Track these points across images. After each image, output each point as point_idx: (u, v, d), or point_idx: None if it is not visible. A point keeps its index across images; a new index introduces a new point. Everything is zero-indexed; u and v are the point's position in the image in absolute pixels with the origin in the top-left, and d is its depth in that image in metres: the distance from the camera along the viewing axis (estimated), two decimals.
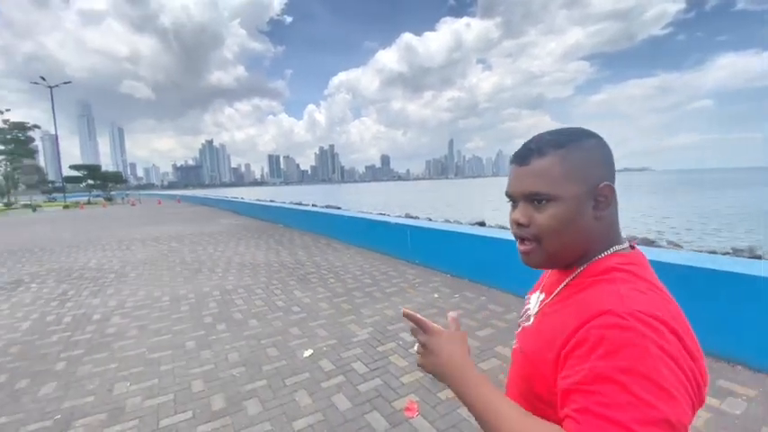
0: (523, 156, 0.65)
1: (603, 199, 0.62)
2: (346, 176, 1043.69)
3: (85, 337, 4.01)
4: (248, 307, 4.74)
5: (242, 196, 32.94)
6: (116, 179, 58.81)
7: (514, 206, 0.67)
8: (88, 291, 5.78)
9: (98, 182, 52.00)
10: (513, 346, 0.76)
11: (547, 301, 0.70)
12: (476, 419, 0.58)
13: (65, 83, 37.49)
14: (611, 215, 0.64)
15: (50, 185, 59.83)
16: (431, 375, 0.69)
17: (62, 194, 47.23)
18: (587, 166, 0.62)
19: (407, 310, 0.69)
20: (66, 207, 33.11)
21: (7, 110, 39.51)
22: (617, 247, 0.64)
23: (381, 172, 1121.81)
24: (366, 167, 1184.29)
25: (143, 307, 4.93)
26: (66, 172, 52.04)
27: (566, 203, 0.61)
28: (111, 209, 30.15)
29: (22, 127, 41.06)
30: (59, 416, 2.60)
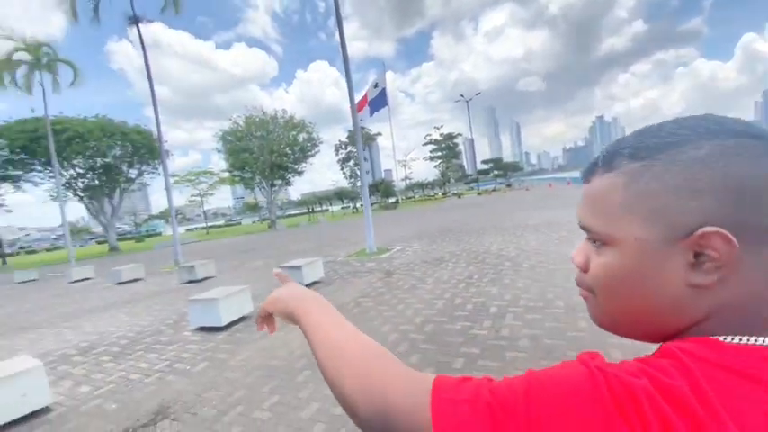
0: (588, 168, 0.44)
1: (711, 255, 0.33)
2: None
3: (482, 333, 3.84)
4: None
5: None
6: (514, 168, 68.29)
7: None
8: (488, 278, 6.01)
9: (501, 172, 62.55)
10: None
11: None
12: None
13: (476, 95, 47.36)
14: (736, 285, 0.34)
15: (469, 177, 78.46)
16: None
17: (476, 184, 60.51)
18: (673, 193, 0.35)
19: (277, 270, 0.70)
20: (479, 194, 41.89)
21: (441, 126, 55.48)
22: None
23: None
24: None
25: (535, 309, 4.30)
26: (479, 166, 66.32)
27: (627, 252, 0.38)
28: (510, 194, 34.76)
29: (450, 137, 56.39)
30: None
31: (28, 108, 21.23)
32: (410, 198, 59.61)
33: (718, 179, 0.33)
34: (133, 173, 26.99)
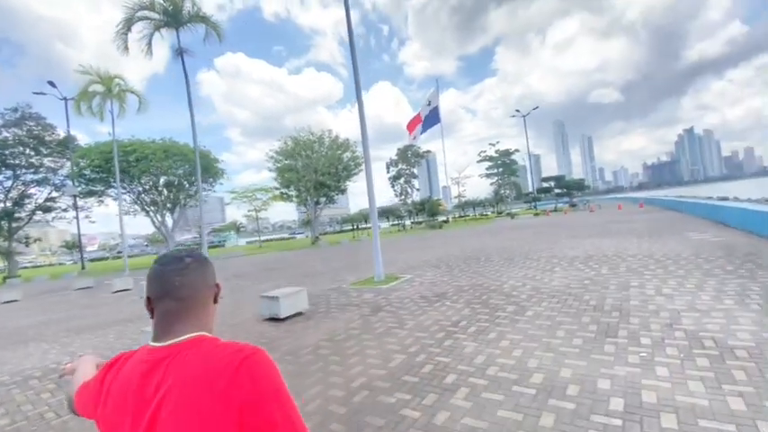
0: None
1: None
2: None
3: (413, 415, 2.94)
4: None
5: (734, 195, 23.26)
6: (578, 187, 62.68)
7: None
8: (476, 327, 4.97)
9: (563, 190, 57.74)
10: None
11: None
12: None
13: (534, 109, 44.58)
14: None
15: (529, 195, 73.77)
16: None
17: (536, 203, 56.51)
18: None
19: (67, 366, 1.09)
20: (535, 215, 38.79)
21: (497, 142, 52.79)
22: None
23: None
24: None
25: (500, 385, 3.26)
26: (539, 184, 61.99)
27: None
28: (570, 215, 31.62)
29: (507, 153, 53.41)
30: None
31: (107, 133, 23.89)
32: (462, 217, 57.37)
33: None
34: (193, 190, 29.35)
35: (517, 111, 45.08)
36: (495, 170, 55.49)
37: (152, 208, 28.01)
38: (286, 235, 68.07)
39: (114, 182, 26.51)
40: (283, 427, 0.67)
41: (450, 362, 3.91)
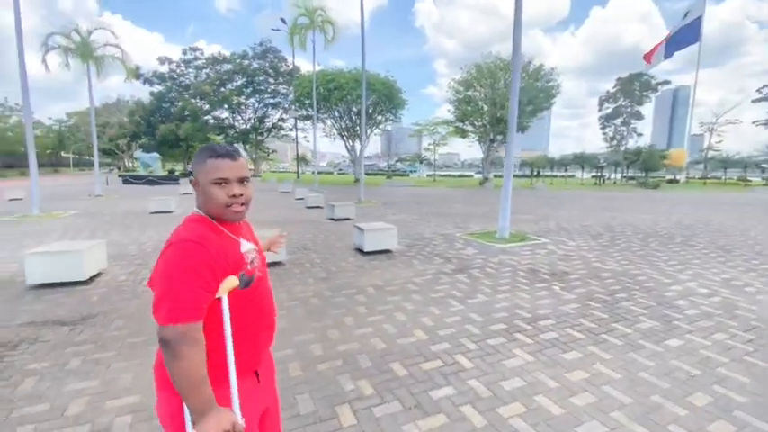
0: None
1: None
2: None
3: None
4: None
5: None
6: None
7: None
8: (561, 336, 3.32)
9: None
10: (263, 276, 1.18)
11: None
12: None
13: None
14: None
15: None
16: None
17: None
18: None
19: None
20: None
21: None
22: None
23: None
24: None
25: None
26: None
27: None
28: None
29: None
30: None
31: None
32: (702, 179, 41.92)
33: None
34: (379, 118, 31.66)
35: None
36: None
37: (345, 133, 32.08)
38: (473, 173, 66.98)
39: (321, 108, 31.30)
40: (156, 294, 0.95)
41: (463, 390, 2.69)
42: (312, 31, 21.39)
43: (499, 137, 28.39)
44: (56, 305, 3.90)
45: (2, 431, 2.08)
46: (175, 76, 36.44)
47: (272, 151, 41.40)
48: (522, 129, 27.27)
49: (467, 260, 5.94)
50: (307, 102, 30.35)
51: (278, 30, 32.07)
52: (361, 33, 15.39)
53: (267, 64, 32.26)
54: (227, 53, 36.01)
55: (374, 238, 6.26)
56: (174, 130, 33.53)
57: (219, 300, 1.01)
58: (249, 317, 1.10)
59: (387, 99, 28.85)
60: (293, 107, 32.39)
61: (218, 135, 36.64)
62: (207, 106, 35.18)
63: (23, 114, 11.45)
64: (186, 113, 33.89)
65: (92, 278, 4.72)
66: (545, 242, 7.44)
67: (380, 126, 32.74)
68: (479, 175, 41.47)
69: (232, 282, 1.02)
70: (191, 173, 1.09)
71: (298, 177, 36.20)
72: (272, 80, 32.57)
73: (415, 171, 63.58)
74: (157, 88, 36.48)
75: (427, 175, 57.02)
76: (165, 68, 36.53)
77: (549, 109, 26.86)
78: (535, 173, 38.57)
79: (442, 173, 71.38)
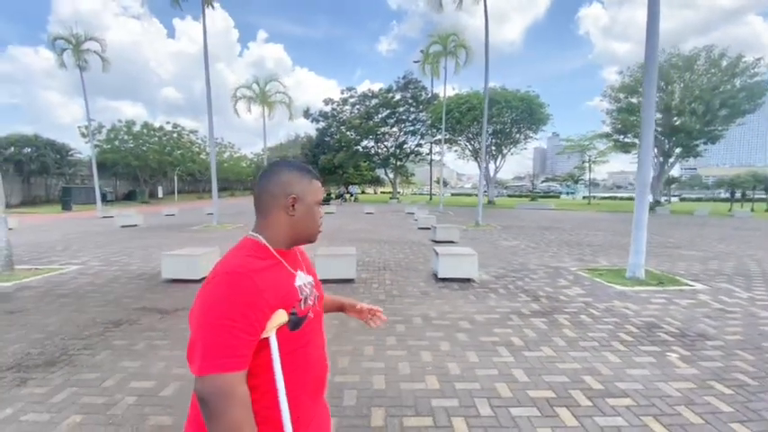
0: None
1: None
2: None
3: None
4: None
5: None
6: None
7: None
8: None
9: None
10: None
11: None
12: None
13: None
14: None
15: None
16: None
17: None
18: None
19: None
20: None
21: None
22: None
23: None
24: None
25: None
26: None
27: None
28: None
29: None
30: None
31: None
32: None
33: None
34: (519, 136, 29.56)
35: None
36: None
37: (478, 154, 31.15)
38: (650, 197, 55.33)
39: (456, 132, 31.36)
40: (191, 336, 0.82)
41: None
42: (445, 57, 21.85)
43: (677, 149, 22.34)
44: (167, 296, 4.93)
45: (55, 389, 2.69)
46: (335, 113, 42.80)
47: (411, 174, 43.62)
48: (712, 139, 20.71)
49: (561, 302, 4.80)
50: (440, 126, 31.08)
51: (417, 61, 34.17)
52: (485, 54, 14.87)
53: (409, 94, 34.65)
54: (375, 89, 40.72)
55: (449, 264, 5.75)
56: (330, 159, 39.30)
57: (266, 341, 0.84)
58: (293, 367, 0.89)
59: (528, 115, 26.75)
60: (429, 132, 33.54)
61: (365, 162, 41.05)
62: (357, 137, 40.03)
63: (209, 150, 15.27)
64: (342, 144, 39.33)
65: (203, 278, 5.80)
66: (698, 289, 5.40)
67: (518, 145, 30.51)
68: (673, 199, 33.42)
69: (281, 317, 0.85)
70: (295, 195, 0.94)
71: (430, 199, 36.91)
72: (412, 109, 34.78)
73: (572, 192, 56.21)
74: (321, 125, 43.62)
75: (583, 197, 49.72)
76: (328, 108, 43.48)
77: (752, 112, 19.65)
78: (737, 195, 28.36)
79: (605, 194, 60.97)
